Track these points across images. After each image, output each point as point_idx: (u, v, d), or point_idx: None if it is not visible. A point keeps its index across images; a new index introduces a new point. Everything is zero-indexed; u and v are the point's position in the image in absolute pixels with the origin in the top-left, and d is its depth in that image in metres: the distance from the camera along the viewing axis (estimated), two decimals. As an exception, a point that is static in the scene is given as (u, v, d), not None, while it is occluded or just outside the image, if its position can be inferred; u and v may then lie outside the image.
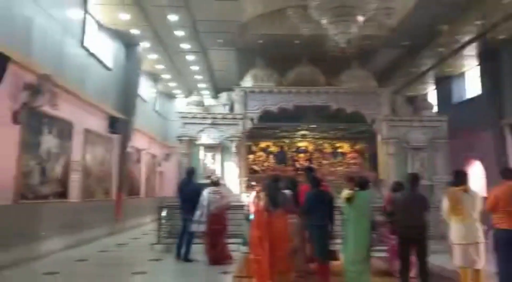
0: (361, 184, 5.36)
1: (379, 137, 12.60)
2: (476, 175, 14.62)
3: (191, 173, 7.62)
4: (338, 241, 5.75)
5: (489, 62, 13.15)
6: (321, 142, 14.94)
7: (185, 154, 11.79)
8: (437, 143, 12.28)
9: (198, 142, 11.91)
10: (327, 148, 15.04)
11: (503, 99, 12.81)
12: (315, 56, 13.39)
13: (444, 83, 16.17)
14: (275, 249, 5.10)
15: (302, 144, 15.00)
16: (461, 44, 12.54)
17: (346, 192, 5.30)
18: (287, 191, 6.19)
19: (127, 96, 12.31)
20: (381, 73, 14.78)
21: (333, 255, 5.63)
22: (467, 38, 12.30)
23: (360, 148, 15.12)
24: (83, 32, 9.82)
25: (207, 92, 17.90)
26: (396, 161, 12.21)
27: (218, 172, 11.77)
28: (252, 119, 12.32)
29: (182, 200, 7.38)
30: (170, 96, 18.81)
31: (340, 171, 14.60)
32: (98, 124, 10.50)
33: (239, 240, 8.57)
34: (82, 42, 9.79)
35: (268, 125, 13.54)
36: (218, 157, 11.88)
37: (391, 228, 5.82)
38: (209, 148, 11.88)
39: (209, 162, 11.81)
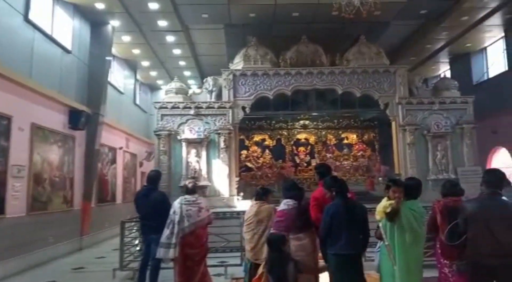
0: (411, 188, 3.48)
1: (393, 125, 10.68)
2: (504, 165, 12.76)
3: (154, 178, 5.56)
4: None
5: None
6: (324, 132, 13.01)
7: (164, 151, 9.84)
8: (462, 129, 10.39)
9: (179, 137, 9.96)
10: (331, 139, 13.10)
11: (538, 75, 10.90)
12: (316, 32, 11.45)
13: (462, 62, 14.21)
14: None
15: (302, 136, 13.06)
16: (487, 10, 10.55)
17: (385, 203, 3.41)
18: (289, 202, 4.27)
19: (93, 86, 10.29)
20: (391, 52, 12.82)
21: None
22: (493, 4, 10.35)
23: (369, 138, 13.19)
24: (28, 2, 7.80)
25: (193, 82, 15.93)
26: (416, 152, 10.31)
27: (204, 172, 9.84)
28: (243, 108, 10.38)
29: (142, 216, 5.44)
30: (153, 87, 16.79)
31: (347, 165, 12.69)
32: (53, 118, 8.50)
33: (227, 258, 6.70)
34: (26, 15, 7.77)
35: (263, 115, 11.59)
36: (204, 153, 9.94)
37: (448, 251, 3.91)
38: (193, 143, 9.95)
39: (193, 159, 9.87)
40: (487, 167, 12.88)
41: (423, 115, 10.51)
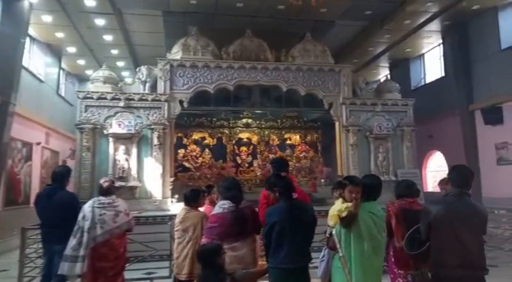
0: (370, 187, 2.92)
1: (337, 125, 10.42)
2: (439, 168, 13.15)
3: (59, 175, 4.46)
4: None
5: (455, 38, 11.54)
6: (267, 132, 12.50)
7: (87, 147, 8.64)
8: (403, 131, 10.40)
9: (106, 131, 8.83)
10: (274, 140, 12.63)
11: (471, 81, 11.27)
12: (261, 26, 10.88)
13: (401, 67, 14.52)
14: None
15: (244, 135, 12.44)
16: (428, 15, 10.70)
17: (340, 206, 2.82)
18: (225, 205, 3.55)
19: (3, 70, 8.78)
20: (335, 54, 12.66)
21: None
22: (434, 9, 10.52)
23: (312, 139, 12.92)
24: None
25: (128, 74, 14.64)
26: (358, 153, 10.12)
27: (134, 171, 8.81)
28: (181, 102, 9.50)
29: (44, 222, 4.41)
30: (82, 78, 15.17)
31: (289, 166, 12.23)
32: None
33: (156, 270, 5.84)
34: None
35: (203, 110, 10.79)
36: (134, 150, 8.91)
37: (404, 259, 3.44)
38: (121, 138, 8.88)
39: (121, 157, 8.79)
40: (423, 170, 13.19)
41: (366, 116, 10.37)
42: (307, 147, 12.76)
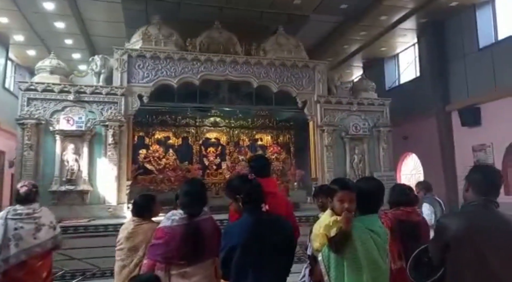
0: (369, 194, 2.17)
1: (311, 125, 9.78)
2: (414, 171, 12.79)
3: None
4: None
5: (432, 37, 11.19)
6: (237, 132, 11.66)
7: (29, 145, 7.54)
8: (379, 132, 9.89)
9: (52, 128, 7.77)
10: (244, 140, 11.83)
11: (448, 81, 10.94)
12: (231, 19, 10.15)
13: (376, 66, 14.11)
14: None
15: (212, 135, 11.54)
16: (405, 11, 10.27)
17: (327, 221, 2.05)
18: (175, 216, 2.72)
19: None
20: (309, 51, 12.04)
21: None
22: (411, 5, 10.10)
23: (284, 140, 12.20)
24: None
25: (85, 67, 13.43)
26: (333, 155, 9.51)
27: (84, 173, 7.78)
28: (140, 97, 8.55)
29: None
30: (34, 71, 13.82)
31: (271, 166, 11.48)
32: None
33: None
34: None
35: (166, 107, 9.86)
36: (86, 150, 7.89)
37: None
38: (70, 136, 7.85)
39: (70, 157, 7.75)
40: (398, 173, 12.77)
41: (341, 116, 9.80)
42: (279, 148, 12.01)
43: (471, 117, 9.89)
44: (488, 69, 9.57)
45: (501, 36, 9.55)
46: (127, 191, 8.21)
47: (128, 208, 7.98)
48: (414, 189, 5.44)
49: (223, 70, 9.06)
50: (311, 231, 2.47)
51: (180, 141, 11.31)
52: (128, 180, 8.30)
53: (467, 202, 2.16)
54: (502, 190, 6.87)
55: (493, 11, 9.81)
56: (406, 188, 3.10)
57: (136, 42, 8.95)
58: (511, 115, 8.81)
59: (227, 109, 10.76)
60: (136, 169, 10.23)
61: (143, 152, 10.79)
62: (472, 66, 10.09)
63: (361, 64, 14.84)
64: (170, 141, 11.15)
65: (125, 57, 8.48)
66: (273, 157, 11.87)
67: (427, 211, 5.04)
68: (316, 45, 12.88)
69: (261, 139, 12.10)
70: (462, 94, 10.40)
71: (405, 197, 3.04)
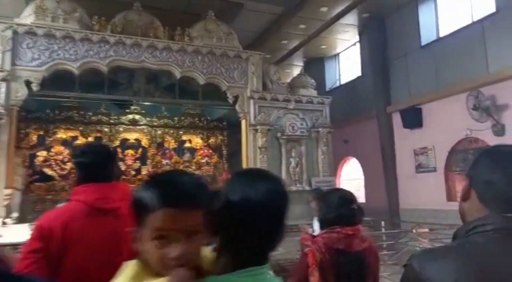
0: (241, 223, 0.92)
1: (243, 124, 8.60)
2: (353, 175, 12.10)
3: None
4: None
5: (373, 35, 10.57)
6: (160, 132, 10.16)
7: None
8: (318, 133, 8.96)
9: None
10: (170, 142, 10.37)
11: (389, 81, 10.34)
12: (154, 2, 8.71)
13: (316, 66, 13.34)
14: None
15: (132, 135, 9.94)
16: (347, 2, 9.51)
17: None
18: None
19: None
20: (244, 47, 10.94)
21: None
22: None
23: (216, 142, 10.92)
24: None
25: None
26: (268, 158, 8.40)
27: None
28: (28, 84, 6.82)
29: None
30: None
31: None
32: None
33: None
34: None
35: (62, 97, 8.12)
36: None
37: None
38: None
39: None
40: (337, 178, 12.00)
41: (277, 114, 8.73)
42: (211, 151, 10.71)
43: (412, 118, 9.30)
44: (430, 68, 9.05)
45: (443, 33, 9.09)
46: (5, 202, 6.40)
47: (5, 223, 6.24)
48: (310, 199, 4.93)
49: (138, 56, 7.59)
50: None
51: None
52: (7, 187, 6.49)
53: (470, 223, 1.01)
54: (443, 196, 6.05)
55: (435, 7, 9.36)
56: (346, 196, 1.95)
57: (27, 17, 7.20)
58: (453, 116, 8.29)
59: (147, 104, 9.27)
60: (30, 174, 8.40)
61: (42, 154, 8.94)
62: (414, 65, 9.55)
63: (301, 64, 14.03)
64: (78, 141, 9.38)
65: (8, 33, 6.72)
66: (203, 160, 10.56)
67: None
68: (253, 40, 11.82)
69: (190, 141, 10.72)
70: (403, 94, 9.83)
71: (345, 210, 1.88)
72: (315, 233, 4.24)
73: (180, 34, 8.32)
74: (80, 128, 9.25)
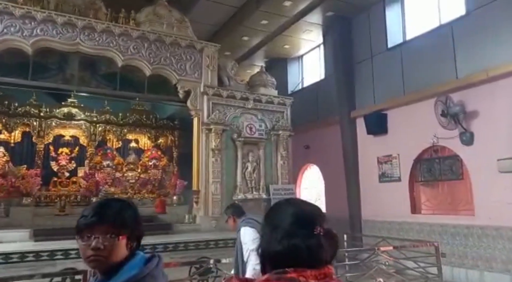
0: None
1: (195, 122, 7.68)
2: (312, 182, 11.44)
3: None
4: None
5: (338, 35, 10.01)
6: (101, 129, 8.98)
7: None
8: (278, 136, 8.20)
9: None
10: (113, 141, 9.21)
11: (354, 84, 9.79)
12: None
13: (278, 67, 12.62)
14: None
15: (67, 131, 8.70)
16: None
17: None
18: None
19: None
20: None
21: None
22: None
23: (166, 143, 9.89)
24: None
25: None
26: (222, 162, 7.51)
27: None
28: None
29: None
30: None
31: (132, 177, 8.99)
32: None
33: None
34: None
35: None
36: None
37: None
38: None
39: None
40: (297, 187, 11.28)
41: (234, 113, 7.90)
42: (159, 153, 9.64)
43: (377, 124, 8.76)
44: (396, 72, 8.56)
45: (410, 36, 8.66)
46: None
47: None
48: (225, 217, 3.79)
49: (71, 37, 6.49)
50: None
51: (18, 137, 8.28)
52: None
53: None
54: (408, 208, 5.32)
55: (402, 8, 8.94)
56: (307, 213, 1.08)
57: None
58: (420, 122, 7.80)
59: (86, 96, 8.12)
60: None
61: (-49, 150, 7.55)
62: (380, 68, 9.05)
63: (262, 64, 13.23)
64: (1, 136, 8.04)
65: None
66: (150, 163, 9.45)
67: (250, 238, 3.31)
68: (210, 34, 10.94)
69: (136, 141, 9.63)
70: (368, 99, 9.29)
71: (304, 237, 1.03)
72: (248, 273, 3.06)
73: (124, 17, 7.30)
74: (3, 120, 7.90)
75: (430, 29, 8.11)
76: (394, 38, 8.82)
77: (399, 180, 8.22)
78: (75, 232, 1.24)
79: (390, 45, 8.83)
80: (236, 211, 3.69)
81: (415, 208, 7.90)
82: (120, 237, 1.21)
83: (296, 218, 1.04)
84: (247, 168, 7.89)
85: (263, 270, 1.06)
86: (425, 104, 7.61)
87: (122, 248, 1.22)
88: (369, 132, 8.94)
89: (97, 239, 1.18)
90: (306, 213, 1.06)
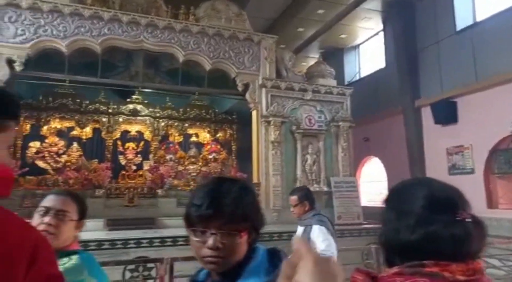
0: None
1: (254, 115, 7.67)
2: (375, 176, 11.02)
3: None
4: None
5: (399, 21, 9.50)
6: (164, 124, 9.30)
7: None
8: (338, 128, 7.97)
9: None
10: (174, 135, 9.51)
11: (418, 72, 9.25)
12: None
13: (334, 59, 12.27)
14: None
15: (133, 127, 9.12)
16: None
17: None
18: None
19: None
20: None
21: None
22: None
23: (225, 137, 10.02)
24: None
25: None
26: (281, 154, 7.45)
27: None
28: (11, 62, 6.02)
29: None
30: None
31: (193, 170, 9.20)
32: None
33: None
34: None
35: (52, 79, 7.28)
36: None
37: None
38: None
39: None
40: (358, 179, 10.92)
41: (292, 105, 7.79)
42: (219, 146, 9.79)
43: (446, 113, 8.20)
44: (467, 57, 7.95)
45: (480, 17, 7.98)
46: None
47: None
48: (294, 199, 3.00)
49: (136, 35, 6.75)
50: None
51: (89, 133, 8.81)
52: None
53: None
54: (483, 203, 4.73)
55: (473, -13, 8.28)
56: (444, 195, 0.96)
57: (12, -11, 6.42)
58: (495, 110, 7.18)
59: (149, 93, 8.46)
60: (18, 167, 7.61)
61: (35, 145, 8.17)
62: (448, 53, 8.45)
63: (318, 55, 12.96)
64: (75, 132, 8.60)
65: (-13, 4, 5.94)
66: (210, 156, 9.62)
67: (322, 239, 2.77)
68: (266, 28, 10.86)
69: (197, 135, 9.87)
70: (435, 86, 8.73)
71: (444, 224, 0.90)
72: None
73: (184, 13, 7.45)
74: (76, 117, 8.44)
75: (504, 8, 7.41)
76: (463, 20, 8.19)
77: (472, 172, 7.64)
78: (184, 223, 1.02)
79: (458, 28, 8.21)
80: (311, 198, 3.04)
81: (491, 203, 7.31)
82: (242, 233, 0.99)
83: (431, 200, 0.91)
84: (307, 160, 7.76)
85: (389, 263, 0.94)
86: (502, 90, 6.98)
87: (243, 244, 1.00)
88: (436, 121, 8.41)
89: (214, 236, 0.96)
90: (444, 195, 0.92)
